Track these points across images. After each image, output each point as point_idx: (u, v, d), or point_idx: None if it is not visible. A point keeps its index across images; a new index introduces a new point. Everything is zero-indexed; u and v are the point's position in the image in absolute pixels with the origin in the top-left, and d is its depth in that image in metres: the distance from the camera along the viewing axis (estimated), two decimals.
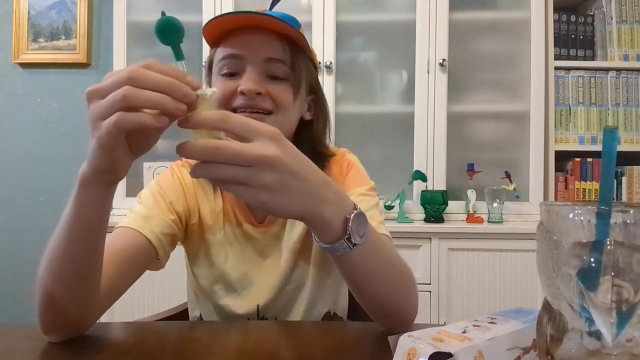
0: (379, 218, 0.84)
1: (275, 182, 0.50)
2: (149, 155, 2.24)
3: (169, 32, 0.49)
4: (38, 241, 2.84)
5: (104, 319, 0.73)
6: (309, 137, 0.89)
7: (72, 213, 0.58)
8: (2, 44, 2.40)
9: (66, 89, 2.41)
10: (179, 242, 0.87)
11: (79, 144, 2.41)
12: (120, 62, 2.14)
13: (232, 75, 0.80)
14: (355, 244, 0.58)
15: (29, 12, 2.38)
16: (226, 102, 0.79)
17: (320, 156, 0.89)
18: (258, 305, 0.87)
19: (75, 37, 2.37)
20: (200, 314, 0.93)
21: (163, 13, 0.49)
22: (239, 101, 0.78)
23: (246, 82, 0.77)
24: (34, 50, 2.38)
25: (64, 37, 2.38)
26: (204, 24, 0.82)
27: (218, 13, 2.07)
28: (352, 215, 0.58)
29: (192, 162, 0.89)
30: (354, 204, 0.60)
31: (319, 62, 2.03)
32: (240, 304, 0.88)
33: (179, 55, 0.49)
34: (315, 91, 0.90)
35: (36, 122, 2.41)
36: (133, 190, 2.11)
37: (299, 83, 0.83)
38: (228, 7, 2.06)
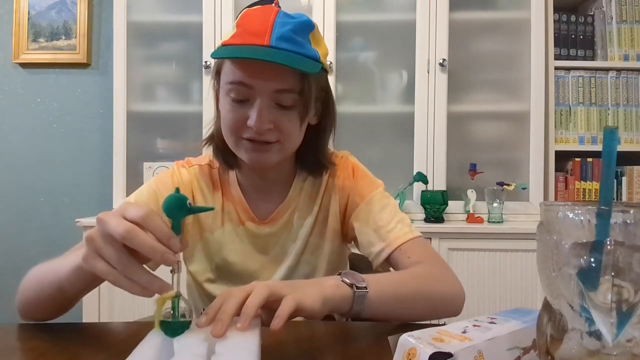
0: (407, 220, 0.88)
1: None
2: (149, 155, 2.24)
3: (175, 208, 0.52)
4: (38, 241, 2.84)
5: (104, 318, 0.73)
6: (314, 145, 0.88)
7: (77, 267, 0.61)
8: (2, 44, 2.40)
9: (66, 89, 2.40)
10: None
11: (79, 144, 2.41)
12: (120, 62, 2.13)
13: (240, 101, 0.79)
14: (365, 287, 0.67)
15: (29, 12, 2.37)
16: (236, 130, 0.80)
17: (320, 166, 0.90)
18: None
19: (75, 37, 2.37)
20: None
21: (177, 190, 0.53)
22: (247, 133, 0.79)
23: (256, 119, 0.76)
24: (34, 50, 2.38)
25: (64, 37, 2.38)
26: (215, 52, 0.78)
27: (218, 13, 2.07)
28: (342, 275, 0.68)
29: (194, 161, 0.92)
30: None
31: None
32: None
33: (177, 230, 0.52)
34: (325, 92, 0.86)
35: (36, 122, 2.41)
36: (133, 190, 2.09)
37: (307, 108, 0.80)
38: (228, 7, 2.05)
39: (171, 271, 0.51)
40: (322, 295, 0.63)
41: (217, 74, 0.83)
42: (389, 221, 0.86)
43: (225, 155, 0.88)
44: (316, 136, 0.87)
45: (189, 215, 0.53)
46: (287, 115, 0.79)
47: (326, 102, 0.86)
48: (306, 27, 0.78)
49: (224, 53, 0.77)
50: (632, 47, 2.10)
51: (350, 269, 1.02)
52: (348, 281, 0.67)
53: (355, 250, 1.01)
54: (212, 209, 0.65)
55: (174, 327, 0.50)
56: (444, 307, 0.81)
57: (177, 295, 0.51)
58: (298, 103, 0.78)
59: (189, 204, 0.52)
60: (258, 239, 0.90)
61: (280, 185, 0.92)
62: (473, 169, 2.02)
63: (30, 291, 0.74)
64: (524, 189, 2.01)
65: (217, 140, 0.88)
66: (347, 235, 0.94)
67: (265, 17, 0.76)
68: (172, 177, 0.90)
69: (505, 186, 1.99)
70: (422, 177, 2.00)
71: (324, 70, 0.83)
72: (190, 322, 0.51)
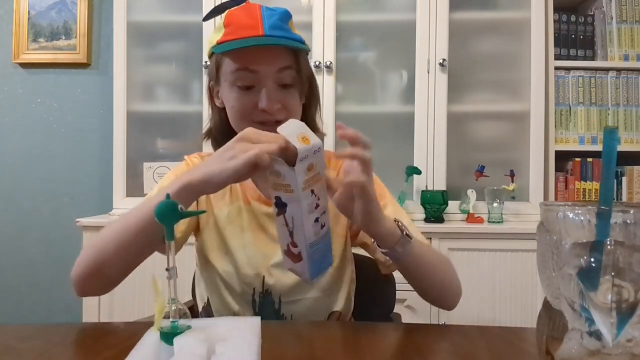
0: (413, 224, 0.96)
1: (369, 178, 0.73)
2: (149, 155, 2.23)
3: (167, 214, 0.53)
4: (38, 241, 2.83)
5: (103, 318, 0.73)
6: (306, 120, 0.94)
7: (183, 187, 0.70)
8: (2, 44, 2.40)
9: (66, 89, 2.40)
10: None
11: (79, 144, 2.41)
12: (120, 62, 2.13)
13: (247, 88, 0.87)
14: (410, 237, 0.79)
15: (29, 12, 2.37)
16: (246, 115, 0.88)
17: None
18: (264, 277, 0.91)
19: (75, 37, 2.37)
20: (208, 301, 0.95)
21: (168, 196, 0.55)
22: (259, 116, 0.87)
23: (267, 101, 0.85)
24: (34, 50, 2.38)
25: (64, 37, 2.38)
26: (216, 47, 0.88)
27: None
28: (399, 222, 0.80)
29: (204, 153, 0.99)
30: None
31: (319, 62, 2.03)
32: (241, 272, 0.91)
33: (170, 236, 0.53)
34: (310, 71, 0.95)
35: (36, 122, 2.41)
36: (133, 191, 2.11)
37: (304, 84, 0.90)
38: None
39: (167, 277, 0.52)
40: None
41: (217, 70, 0.91)
42: (403, 217, 0.90)
43: None
44: (307, 112, 0.97)
45: (180, 219, 0.54)
46: (291, 93, 0.89)
47: (311, 81, 0.96)
48: (287, 16, 0.89)
49: (227, 47, 0.86)
50: (632, 47, 2.10)
51: (356, 266, 1.04)
52: (402, 226, 0.80)
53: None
54: (204, 212, 0.73)
55: (173, 334, 0.50)
56: (452, 289, 0.92)
57: (173, 300, 0.52)
58: (296, 80, 0.89)
59: (181, 208, 0.54)
60: (261, 218, 0.94)
61: None
62: (481, 170, 2.00)
63: (108, 243, 0.76)
64: (513, 197, 2.02)
65: (215, 133, 0.97)
66: (351, 226, 0.97)
67: (252, 12, 0.87)
68: (187, 166, 0.96)
69: (510, 177, 2.00)
70: (414, 170, 1.99)
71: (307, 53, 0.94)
72: (189, 328, 0.51)
